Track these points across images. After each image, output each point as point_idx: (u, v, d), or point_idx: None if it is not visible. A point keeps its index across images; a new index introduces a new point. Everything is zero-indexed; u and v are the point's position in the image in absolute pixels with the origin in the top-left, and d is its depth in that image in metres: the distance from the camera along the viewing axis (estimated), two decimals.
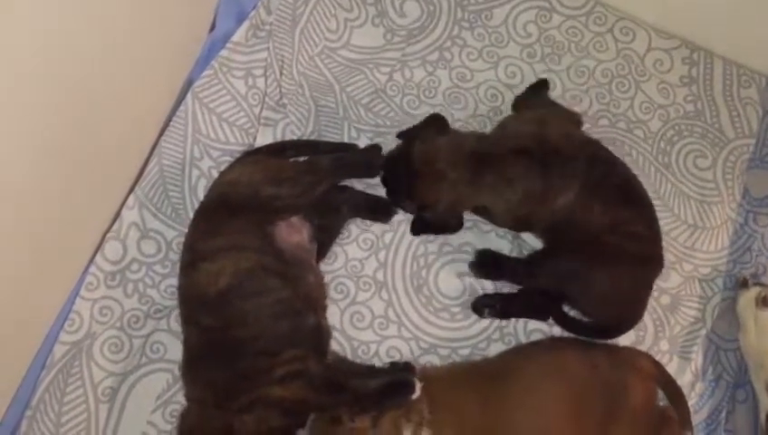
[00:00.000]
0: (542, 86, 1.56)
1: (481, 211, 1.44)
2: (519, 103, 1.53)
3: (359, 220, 1.48)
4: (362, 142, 1.52)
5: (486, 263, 1.43)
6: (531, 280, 1.40)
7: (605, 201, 1.31)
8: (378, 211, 1.47)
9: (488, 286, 1.46)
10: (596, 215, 1.30)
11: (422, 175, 1.35)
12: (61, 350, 1.34)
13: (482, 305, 1.42)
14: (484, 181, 1.33)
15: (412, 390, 1.21)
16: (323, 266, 1.41)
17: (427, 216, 1.43)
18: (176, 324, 1.37)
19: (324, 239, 1.40)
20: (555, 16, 1.67)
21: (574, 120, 1.45)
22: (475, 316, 1.44)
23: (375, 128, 1.54)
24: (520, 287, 1.44)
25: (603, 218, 1.30)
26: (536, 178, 1.30)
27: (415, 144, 1.37)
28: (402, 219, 1.49)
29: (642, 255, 1.33)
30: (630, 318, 1.39)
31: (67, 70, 1.11)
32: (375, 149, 1.46)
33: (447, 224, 1.45)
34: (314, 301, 1.28)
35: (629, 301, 1.37)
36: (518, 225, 1.43)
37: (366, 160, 1.44)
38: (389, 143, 1.47)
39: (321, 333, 1.27)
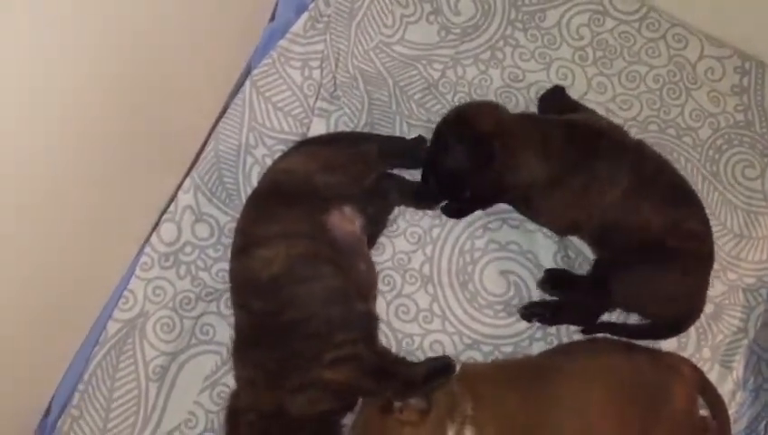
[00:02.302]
0: (560, 91, 1.55)
1: (522, 202, 1.43)
2: (547, 106, 1.53)
3: (407, 215, 1.49)
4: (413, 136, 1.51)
5: (557, 281, 1.42)
6: (603, 297, 1.37)
7: (658, 200, 1.31)
8: (423, 198, 1.47)
9: (533, 287, 1.46)
10: (649, 214, 1.30)
11: (480, 130, 1.30)
12: (114, 327, 1.36)
13: (531, 314, 1.42)
14: (525, 137, 1.30)
15: (453, 368, 1.22)
16: (373, 257, 1.40)
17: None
18: (226, 308, 1.39)
19: (373, 229, 1.40)
20: (608, 20, 1.67)
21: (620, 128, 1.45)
22: (518, 314, 1.44)
23: (426, 123, 1.53)
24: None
25: (657, 218, 1.30)
26: (575, 159, 1.29)
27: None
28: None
29: (701, 252, 1.34)
30: (693, 315, 1.39)
31: (130, 55, 1.12)
32: (420, 140, 1.47)
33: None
34: (365, 289, 1.29)
35: (694, 298, 1.37)
36: (564, 226, 1.42)
37: (411, 151, 1.44)
38: None
39: (371, 320, 1.28)
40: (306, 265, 1.22)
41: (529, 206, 1.43)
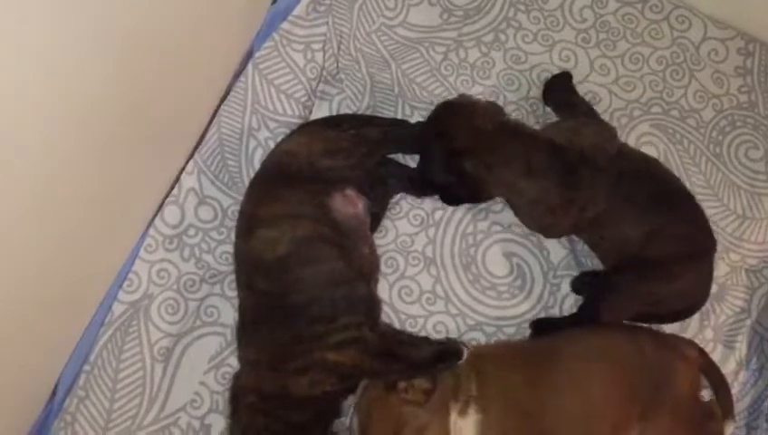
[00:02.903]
0: (565, 78, 1.54)
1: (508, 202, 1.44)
2: (550, 97, 1.53)
3: (410, 197, 1.49)
4: (416, 120, 1.52)
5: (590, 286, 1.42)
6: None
7: (638, 214, 1.29)
8: (419, 187, 1.46)
9: (536, 269, 1.46)
10: (628, 230, 1.30)
11: (461, 118, 1.31)
12: (119, 308, 1.37)
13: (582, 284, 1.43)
14: (504, 154, 1.29)
15: (461, 354, 1.22)
16: (375, 240, 1.41)
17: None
18: (229, 290, 1.40)
19: (376, 210, 1.41)
20: (611, 2, 1.65)
21: (608, 133, 1.40)
22: (521, 296, 1.45)
23: (429, 106, 1.50)
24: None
25: (636, 232, 1.29)
26: (557, 180, 1.28)
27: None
28: None
29: (694, 251, 1.33)
30: (696, 307, 1.38)
31: (133, 39, 1.12)
32: (415, 124, 1.48)
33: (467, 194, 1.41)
34: (368, 272, 1.30)
35: (694, 294, 1.37)
36: (549, 233, 1.43)
37: (413, 136, 1.44)
38: None
39: (374, 303, 1.28)
40: (311, 246, 1.23)
41: (513, 210, 1.44)
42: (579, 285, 1.44)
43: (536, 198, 1.31)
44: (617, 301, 1.33)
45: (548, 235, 1.45)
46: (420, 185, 1.44)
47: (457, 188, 1.36)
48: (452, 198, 1.44)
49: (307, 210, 1.25)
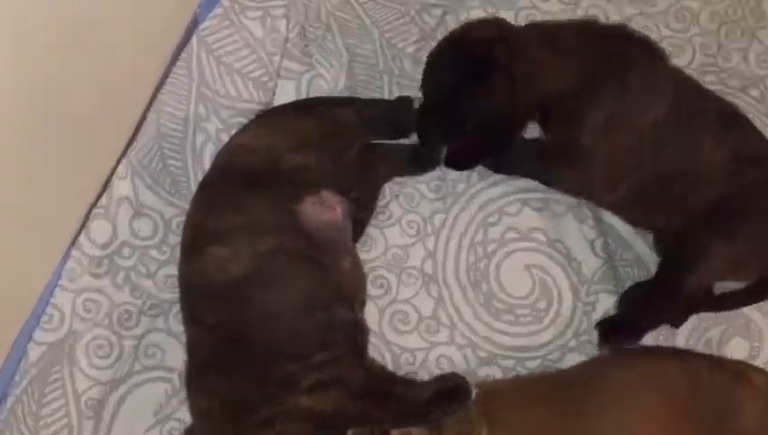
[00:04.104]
0: None
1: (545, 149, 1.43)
2: None
3: (402, 199, 1.50)
4: None
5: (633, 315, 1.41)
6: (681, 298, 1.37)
7: (713, 127, 1.33)
8: (421, 160, 1.49)
9: (564, 284, 1.46)
10: (710, 150, 1.32)
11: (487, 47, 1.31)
12: (36, 352, 1.35)
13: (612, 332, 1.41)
14: (543, 44, 1.32)
15: (468, 394, 1.22)
16: (360, 254, 1.40)
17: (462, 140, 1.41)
18: (176, 324, 1.39)
19: (359, 217, 1.41)
20: None
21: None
22: (546, 319, 1.45)
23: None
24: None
25: (719, 152, 1.32)
26: (610, 67, 1.30)
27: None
28: (457, 196, 1.49)
29: None
30: None
31: (46, 7, 1.13)
32: (407, 100, 1.48)
33: (495, 143, 1.43)
34: (350, 294, 1.29)
35: None
36: (608, 179, 1.38)
37: (398, 115, 1.46)
38: None
39: (359, 333, 1.28)
40: (275, 265, 1.22)
41: (554, 153, 1.41)
42: (629, 302, 1.43)
43: (585, 94, 1.30)
44: (706, 267, 1.33)
45: (610, 192, 1.40)
46: (423, 151, 1.44)
47: (478, 114, 1.35)
48: (463, 155, 1.44)
49: (270, 220, 1.25)
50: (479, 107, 1.35)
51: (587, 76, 1.32)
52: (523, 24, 1.58)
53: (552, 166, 1.43)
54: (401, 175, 1.49)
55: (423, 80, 1.41)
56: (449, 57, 1.35)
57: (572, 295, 1.46)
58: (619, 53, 1.34)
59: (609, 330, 1.41)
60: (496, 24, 1.36)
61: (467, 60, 1.32)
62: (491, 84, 1.32)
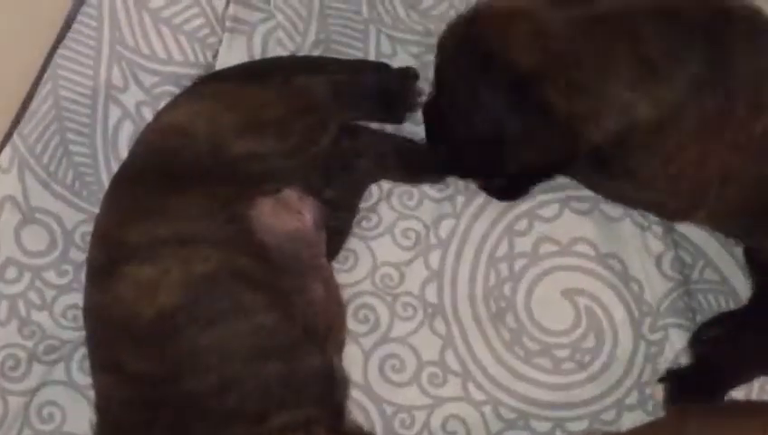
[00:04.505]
0: None
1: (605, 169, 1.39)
2: None
3: (395, 197, 1.49)
4: (400, 61, 1.51)
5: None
6: None
7: None
8: (418, 164, 1.49)
9: (620, 315, 1.45)
10: None
11: (509, 39, 1.29)
12: None
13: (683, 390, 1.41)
14: (599, 58, 1.28)
15: None
16: (337, 276, 1.41)
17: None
18: (80, 373, 1.39)
19: (336, 222, 1.41)
20: None
21: None
22: (596, 364, 1.44)
23: (423, 38, 1.52)
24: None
25: None
26: (701, 69, 1.27)
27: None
28: (471, 195, 1.49)
29: None
30: None
31: None
32: (408, 73, 1.48)
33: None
34: (323, 330, 1.28)
35: None
36: (689, 198, 1.37)
37: (393, 89, 1.46)
38: None
39: (334, 384, 1.27)
40: (217, 292, 1.22)
41: (621, 172, 1.38)
42: (709, 343, 1.43)
43: (669, 119, 1.28)
44: None
45: (689, 210, 1.40)
46: (433, 157, 1.45)
47: (521, 159, 1.35)
48: (506, 187, 1.45)
49: (211, 230, 1.25)
50: (524, 153, 1.34)
51: (676, 94, 1.28)
52: None
53: (612, 182, 1.42)
54: (395, 180, 1.48)
55: (437, 78, 1.38)
56: (478, 77, 1.30)
57: (632, 332, 1.45)
58: (717, 41, 1.29)
59: (679, 387, 1.40)
60: (536, 30, 1.29)
61: (507, 102, 1.29)
62: (541, 128, 1.30)
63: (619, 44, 1.29)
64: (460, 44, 1.35)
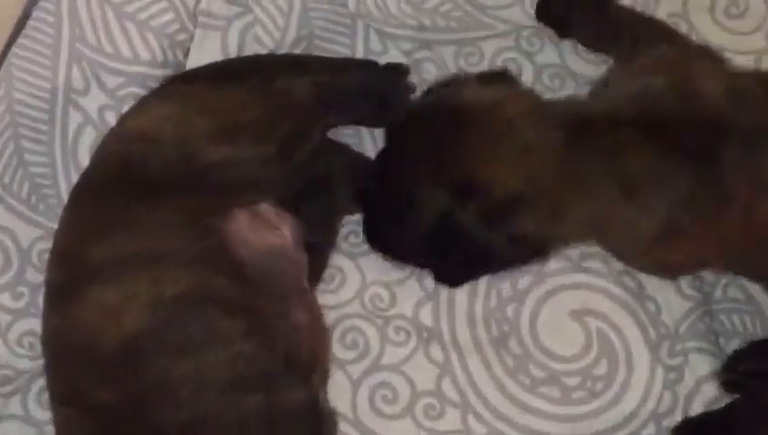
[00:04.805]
0: None
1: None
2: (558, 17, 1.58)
3: None
4: (391, 59, 1.53)
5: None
6: None
7: None
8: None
9: (634, 337, 1.45)
10: None
11: (481, 130, 1.31)
12: None
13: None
14: (580, 182, 1.31)
15: None
16: (320, 297, 1.39)
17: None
18: (37, 407, 1.38)
19: (319, 238, 1.41)
20: None
21: (717, 60, 1.46)
22: (609, 395, 1.43)
23: (416, 33, 1.55)
24: None
25: None
26: (688, 180, 1.29)
27: (467, 85, 1.37)
28: None
29: None
30: None
31: None
32: (400, 71, 1.49)
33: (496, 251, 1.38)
34: (306, 358, 1.26)
35: None
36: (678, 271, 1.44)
37: (381, 90, 1.47)
38: (434, 67, 1.47)
39: (320, 418, 1.25)
40: (190, 316, 1.20)
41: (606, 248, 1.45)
42: (737, 373, 1.42)
43: (661, 224, 1.31)
44: None
45: (683, 273, 1.45)
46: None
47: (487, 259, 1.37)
48: (455, 272, 1.43)
49: (183, 246, 1.24)
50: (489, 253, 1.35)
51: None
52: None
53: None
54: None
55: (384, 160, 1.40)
56: (432, 186, 1.32)
57: (648, 356, 1.44)
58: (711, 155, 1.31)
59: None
60: (516, 142, 1.31)
61: (481, 236, 1.31)
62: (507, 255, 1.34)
63: (602, 165, 1.31)
64: (430, 138, 1.35)
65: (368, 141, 1.51)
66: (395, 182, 1.35)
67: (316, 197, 1.41)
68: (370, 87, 1.46)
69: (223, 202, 1.28)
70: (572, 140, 1.31)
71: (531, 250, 1.35)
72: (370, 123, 1.48)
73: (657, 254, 1.37)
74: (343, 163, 1.46)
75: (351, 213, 1.47)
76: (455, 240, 1.32)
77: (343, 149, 1.47)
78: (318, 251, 1.40)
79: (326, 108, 1.41)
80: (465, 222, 1.30)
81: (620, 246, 1.41)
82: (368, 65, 1.51)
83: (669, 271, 1.44)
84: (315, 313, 1.33)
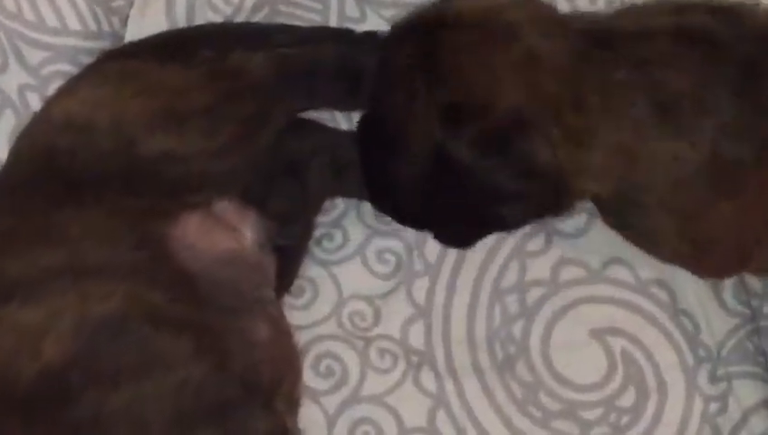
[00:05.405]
0: None
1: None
2: None
3: (365, 210, 1.49)
4: (370, 28, 1.53)
5: None
6: None
7: None
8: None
9: (668, 361, 1.44)
10: None
11: (472, 38, 1.28)
12: None
13: None
14: (607, 87, 1.28)
15: None
16: (289, 314, 1.37)
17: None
18: None
19: (286, 241, 1.41)
20: None
21: None
22: (638, 429, 1.43)
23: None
24: None
25: None
26: (729, 103, 1.29)
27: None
28: None
29: None
30: None
31: None
32: (375, 39, 1.47)
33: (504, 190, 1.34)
34: (269, 380, 1.25)
35: None
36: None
37: (357, 64, 1.45)
38: None
39: None
40: (124, 338, 1.18)
41: (629, 227, 1.43)
42: None
43: (707, 154, 1.28)
44: None
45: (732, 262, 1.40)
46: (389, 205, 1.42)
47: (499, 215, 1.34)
48: (461, 233, 1.41)
49: (117, 255, 1.23)
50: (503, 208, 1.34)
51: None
52: None
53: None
54: (350, 196, 1.48)
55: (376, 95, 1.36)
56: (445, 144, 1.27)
57: (684, 384, 1.43)
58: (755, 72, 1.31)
59: None
60: (520, 57, 1.29)
61: (482, 163, 1.28)
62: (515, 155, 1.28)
63: (630, 84, 1.32)
64: (413, 62, 1.33)
65: (344, 126, 1.51)
66: (386, 118, 1.35)
67: (285, 187, 1.40)
68: (345, 62, 1.44)
69: (167, 203, 1.27)
70: (593, 50, 1.31)
71: (547, 188, 1.30)
72: (345, 107, 1.46)
73: (699, 206, 1.34)
74: (315, 143, 1.45)
75: (331, 196, 1.49)
76: (451, 180, 1.30)
77: (315, 127, 1.45)
78: (287, 255, 1.40)
79: (290, 88, 1.38)
80: (460, 152, 1.27)
81: (658, 182, 1.35)
82: (342, 35, 1.48)
83: (715, 251, 1.39)
84: (280, 327, 1.31)
